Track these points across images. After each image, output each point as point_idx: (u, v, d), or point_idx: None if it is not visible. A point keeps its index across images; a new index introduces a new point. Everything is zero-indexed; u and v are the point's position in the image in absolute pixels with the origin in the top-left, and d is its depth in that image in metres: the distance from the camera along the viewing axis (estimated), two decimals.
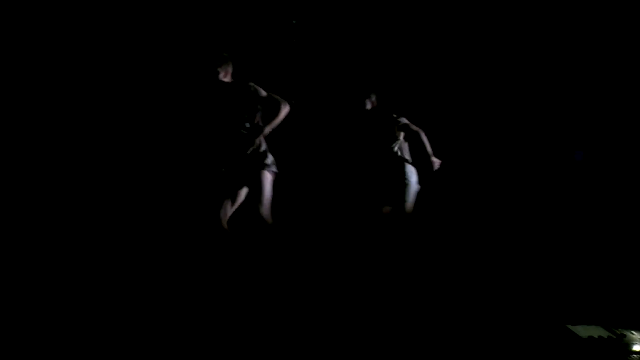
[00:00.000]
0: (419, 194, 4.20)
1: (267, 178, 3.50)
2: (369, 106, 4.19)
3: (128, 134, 4.50)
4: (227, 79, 3.52)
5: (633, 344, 2.82)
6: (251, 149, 3.45)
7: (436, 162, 4.15)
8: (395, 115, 4.18)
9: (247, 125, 3.47)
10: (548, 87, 4.88)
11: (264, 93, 3.49)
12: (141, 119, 4.51)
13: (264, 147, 3.52)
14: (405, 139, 4.21)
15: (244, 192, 3.51)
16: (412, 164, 4.20)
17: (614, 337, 2.86)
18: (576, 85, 4.85)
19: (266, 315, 3.02)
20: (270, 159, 3.53)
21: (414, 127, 4.16)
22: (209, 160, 3.49)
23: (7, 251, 3.78)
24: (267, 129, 3.46)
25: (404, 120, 4.18)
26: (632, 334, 2.90)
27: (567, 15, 4.79)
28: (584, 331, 2.92)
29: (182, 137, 3.86)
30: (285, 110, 3.47)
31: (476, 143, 4.91)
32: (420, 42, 4.92)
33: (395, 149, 4.16)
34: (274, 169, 3.53)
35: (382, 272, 3.83)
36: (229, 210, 3.48)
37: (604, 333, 2.90)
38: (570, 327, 2.97)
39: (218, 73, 3.47)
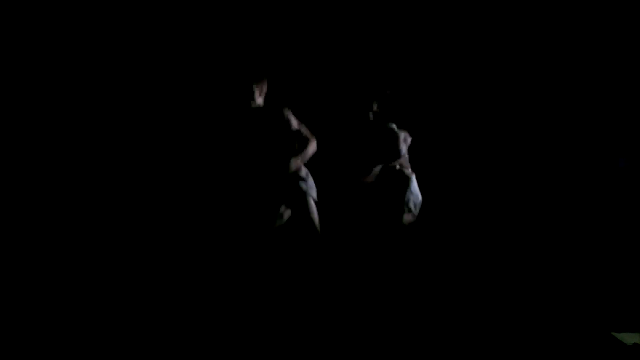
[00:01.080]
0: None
1: (311, 203, 3.54)
2: (371, 117, 4.01)
3: (156, 144, 4.49)
4: (261, 97, 3.53)
5: None
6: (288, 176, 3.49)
7: None
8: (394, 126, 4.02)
9: (276, 154, 3.50)
10: (592, 94, 4.86)
11: (295, 125, 3.51)
12: (170, 132, 4.48)
13: (303, 173, 3.56)
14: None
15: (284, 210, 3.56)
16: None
17: None
18: (620, 91, 4.83)
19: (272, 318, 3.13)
20: (309, 184, 3.56)
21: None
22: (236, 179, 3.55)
23: (8, 251, 3.82)
24: (297, 163, 3.50)
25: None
26: None
27: (614, 21, 4.77)
28: (628, 338, 2.94)
29: (209, 152, 3.88)
30: (312, 147, 3.52)
31: (522, 149, 4.91)
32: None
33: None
34: (313, 194, 3.56)
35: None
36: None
37: None
38: (614, 334, 3.01)
39: (254, 92, 3.49)
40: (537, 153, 4.88)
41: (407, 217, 4.03)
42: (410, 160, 4.26)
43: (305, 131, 3.53)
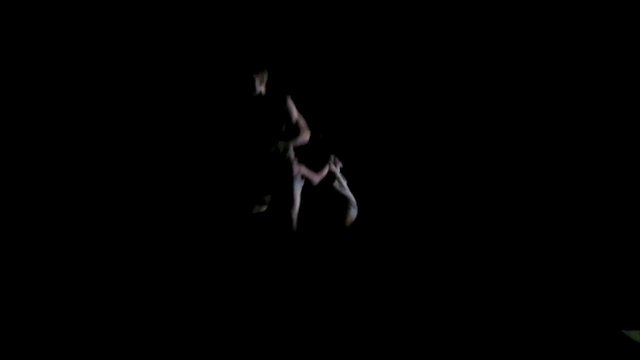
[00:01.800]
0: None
1: (298, 188, 3.61)
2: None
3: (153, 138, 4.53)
4: (262, 87, 3.59)
5: None
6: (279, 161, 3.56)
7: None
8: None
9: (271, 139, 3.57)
10: (601, 91, 4.84)
11: (295, 115, 3.57)
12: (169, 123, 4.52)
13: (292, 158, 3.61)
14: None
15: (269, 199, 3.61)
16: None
17: None
18: (629, 88, 4.80)
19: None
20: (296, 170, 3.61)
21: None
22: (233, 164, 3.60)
23: (7, 251, 3.82)
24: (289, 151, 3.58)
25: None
26: None
27: (622, 19, 4.74)
28: (638, 336, 2.95)
29: (208, 141, 3.88)
30: (303, 138, 3.59)
31: (531, 146, 4.90)
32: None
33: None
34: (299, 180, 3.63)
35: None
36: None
37: None
38: (625, 331, 3.02)
39: (254, 81, 3.54)
40: (547, 150, 4.87)
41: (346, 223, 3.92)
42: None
43: (302, 123, 3.60)
